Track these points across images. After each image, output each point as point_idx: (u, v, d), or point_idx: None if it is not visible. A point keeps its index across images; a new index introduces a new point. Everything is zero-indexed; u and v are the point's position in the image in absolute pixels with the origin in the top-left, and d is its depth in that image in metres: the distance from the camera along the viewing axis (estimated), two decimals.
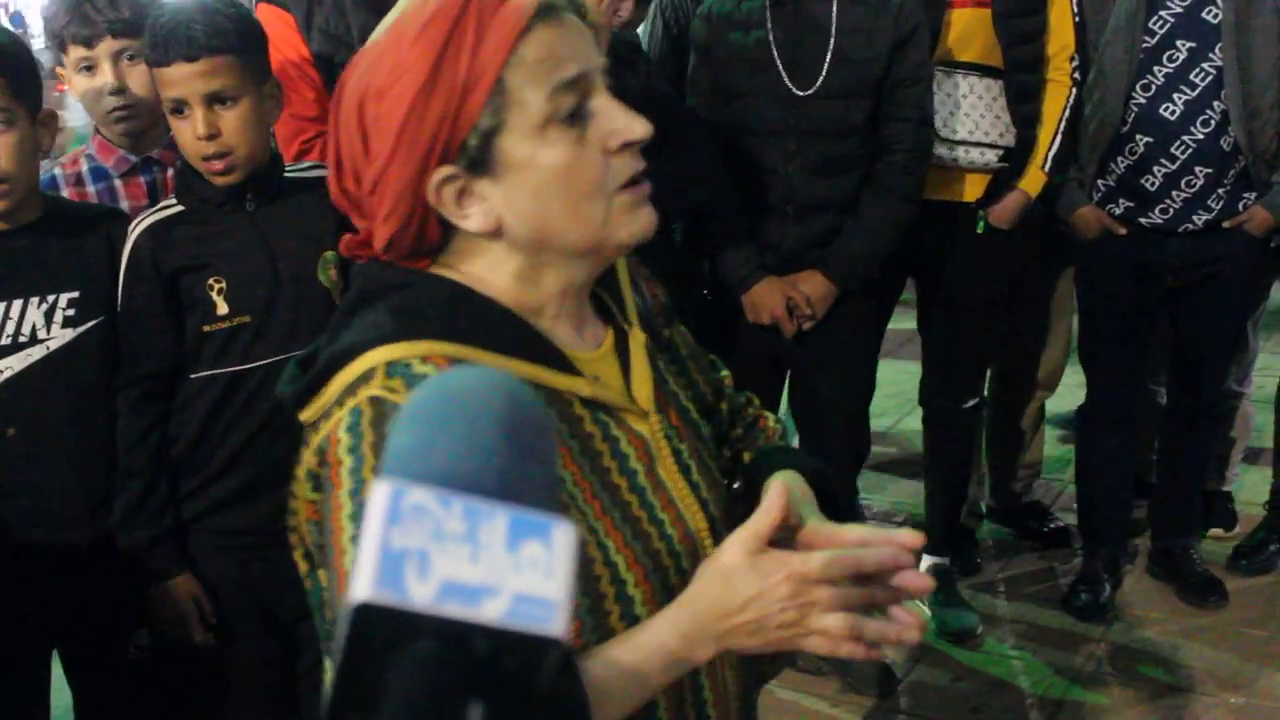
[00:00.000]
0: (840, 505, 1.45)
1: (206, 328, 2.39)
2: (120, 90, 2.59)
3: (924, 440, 4.19)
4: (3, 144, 2.25)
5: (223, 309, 2.39)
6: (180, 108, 2.32)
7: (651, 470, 1.34)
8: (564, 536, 0.64)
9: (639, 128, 1.25)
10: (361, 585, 0.59)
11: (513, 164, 1.21)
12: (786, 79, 3.25)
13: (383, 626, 0.60)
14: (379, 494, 0.61)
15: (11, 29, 2.59)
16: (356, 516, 1.16)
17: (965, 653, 3.80)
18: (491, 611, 0.61)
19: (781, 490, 1.22)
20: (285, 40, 2.87)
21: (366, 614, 0.59)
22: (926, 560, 4.06)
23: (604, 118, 1.24)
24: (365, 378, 1.18)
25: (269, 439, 2.42)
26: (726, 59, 3.29)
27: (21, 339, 2.33)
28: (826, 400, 3.53)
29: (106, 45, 2.57)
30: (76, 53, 2.59)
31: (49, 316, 2.35)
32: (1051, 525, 4.48)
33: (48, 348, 2.35)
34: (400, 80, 1.19)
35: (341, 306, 1.30)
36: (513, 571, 0.62)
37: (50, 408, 2.36)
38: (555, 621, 0.63)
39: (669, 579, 1.28)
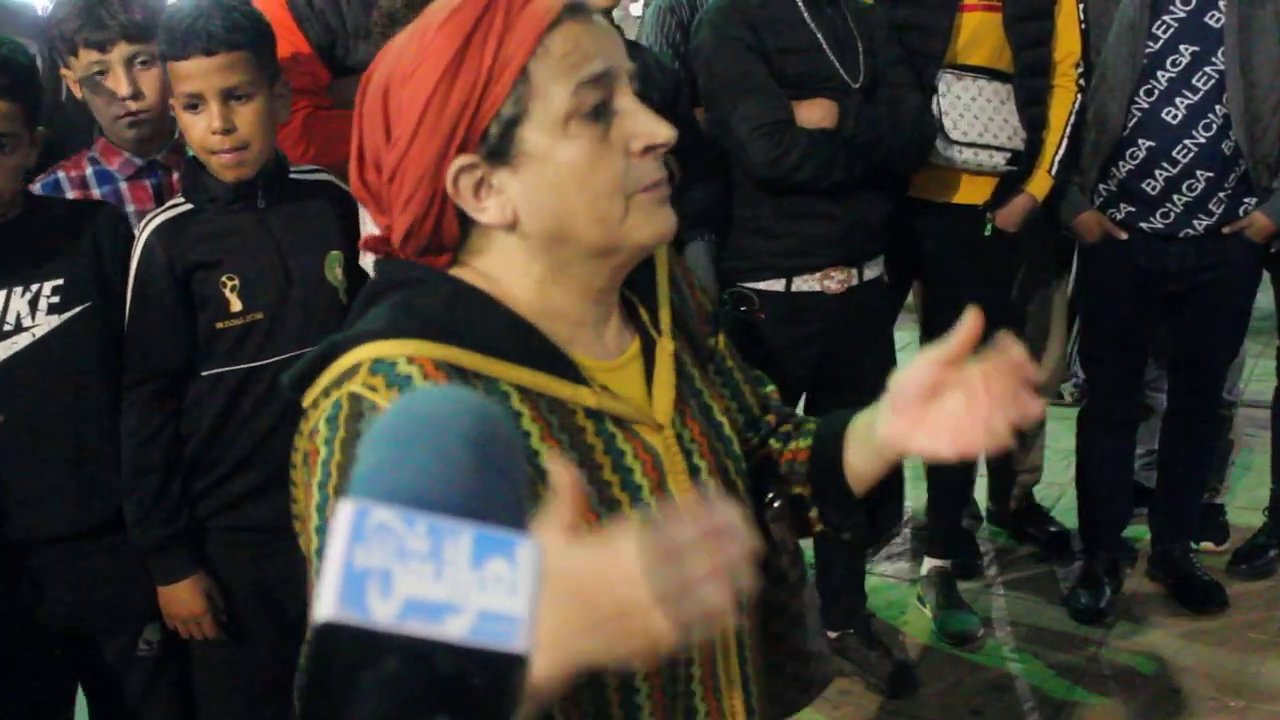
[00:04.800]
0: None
1: (220, 325, 2.41)
2: (135, 96, 2.57)
3: None
4: (3, 167, 2.28)
5: (236, 306, 2.41)
6: (194, 103, 2.35)
7: (661, 485, 1.29)
8: (528, 553, 0.64)
9: (664, 132, 1.24)
10: (325, 605, 0.60)
11: (533, 156, 1.20)
12: (843, 74, 3.28)
13: (347, 645, 0.60)
14: (343, 514, 0.61)
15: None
16: (322, 508, 1.18)
17: (966, 655, 3.81)
18: (455, 629, 0.61)
19: (570, 475, 0.91)
20: (279, 25, 2.88)
21: (330, 633, 0.60)
22: (928, 563, 4.06)
23: (628, 119, 1.23)
24: (351, 372, 1.17)
25: (283, 436, 2.41)
26: (780, 53, 3.27)
27: (6, 328, 2.33)
28: (859, 394, 3.51)
29: (121, 50, 2.55)
30: (89, 57, 2.56)
31: (33, 305, 2.35)
32: (1052, 529, 4.48)
33: (34, 335, 2.35)
34: (423, 65, 1.19)
35: (357, 301, 1.30)
36: (476, 589, 0.62)
37: (40, 396, 2.37)
38: (519, 638, 0.63)
39: None
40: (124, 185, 2.66)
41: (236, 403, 2.44)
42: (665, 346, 1.37)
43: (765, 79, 3.22)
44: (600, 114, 1.21)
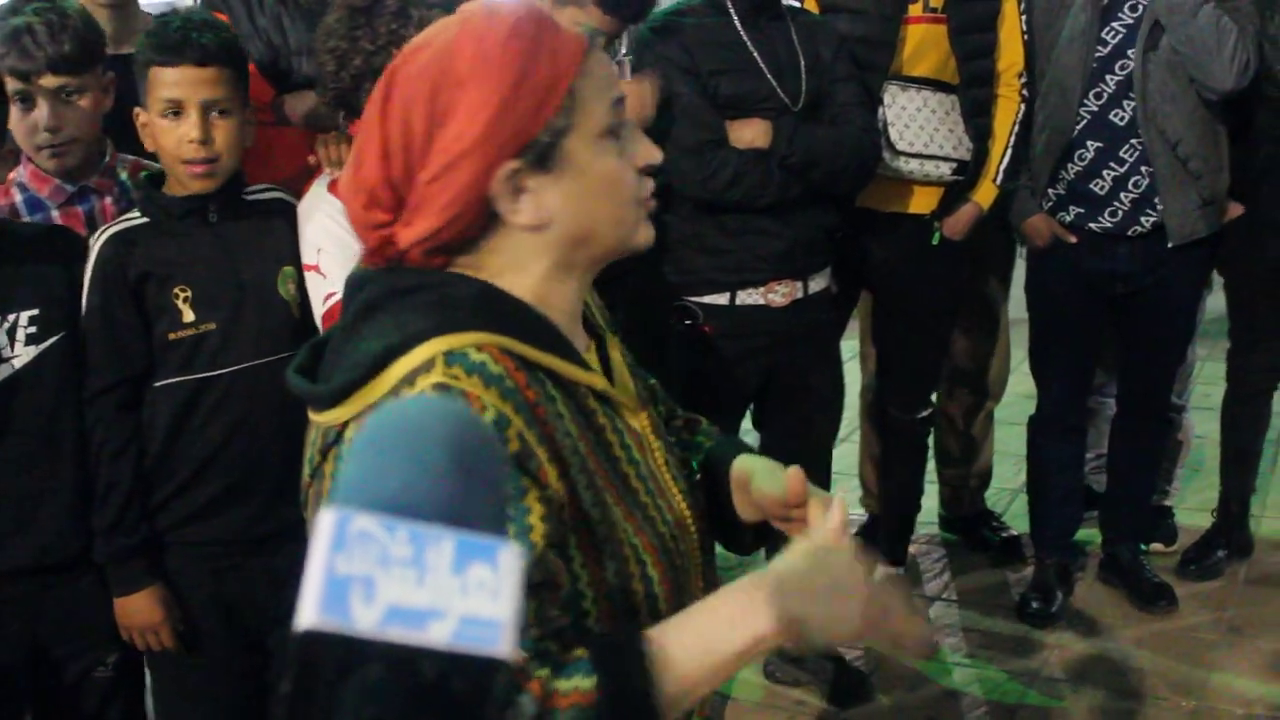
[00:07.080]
0: None
1: (172, 335, 2.43)
2: (56, 129, 2.51)
3: (875, 451, 4.21)
4: None
5: (189, 316, 2.43)
6: (174, 110, 2.38)
7: (647, 461, 1.42)
8: (511, 558, 0.64)
9: (657, 154, 1.40)
10: (307, 613, 0.60)
11: (574, 165, 1.30)
12: (780, 93, 3.27)
13: (329, 653, 0.60)
14: (324, 522, 0.61)
15: None
16: None
17: (919, 662, 3.81)
18: (438, 634, 0.61)
19: (801, 481, 1.42)
20: None
21: (312, 641, 0.60)
22: (880, 570, 4.06)
23: (632, 139, 1.37)
24: (424, 368, 1.21)
25: (235, 448, 2.47)
26: (713, 73, 3.26)
27: None
28: (807, 405, 3.52)
29: (46, 81, 2.48)
30: (12, 84, 2.47)
31: (11, 335, 2.34)
32: (1003, 534, 4.50)
33: (13, 366, 2.34)
34: (491, 72, 1.26)
35: (352, 312, 1.32)
36: (459, 594, 0.62)
37: (16, 426, 2.36)
38: (502, 643, 0.63)
39: (674, 560, 1.38)
40: (56, 213, 2.61)
41: (190, 413, 2.45)
42: (614, 342, 1.49)
43: (696, 99, 3.21)
44: (618, 131, 1.34)
